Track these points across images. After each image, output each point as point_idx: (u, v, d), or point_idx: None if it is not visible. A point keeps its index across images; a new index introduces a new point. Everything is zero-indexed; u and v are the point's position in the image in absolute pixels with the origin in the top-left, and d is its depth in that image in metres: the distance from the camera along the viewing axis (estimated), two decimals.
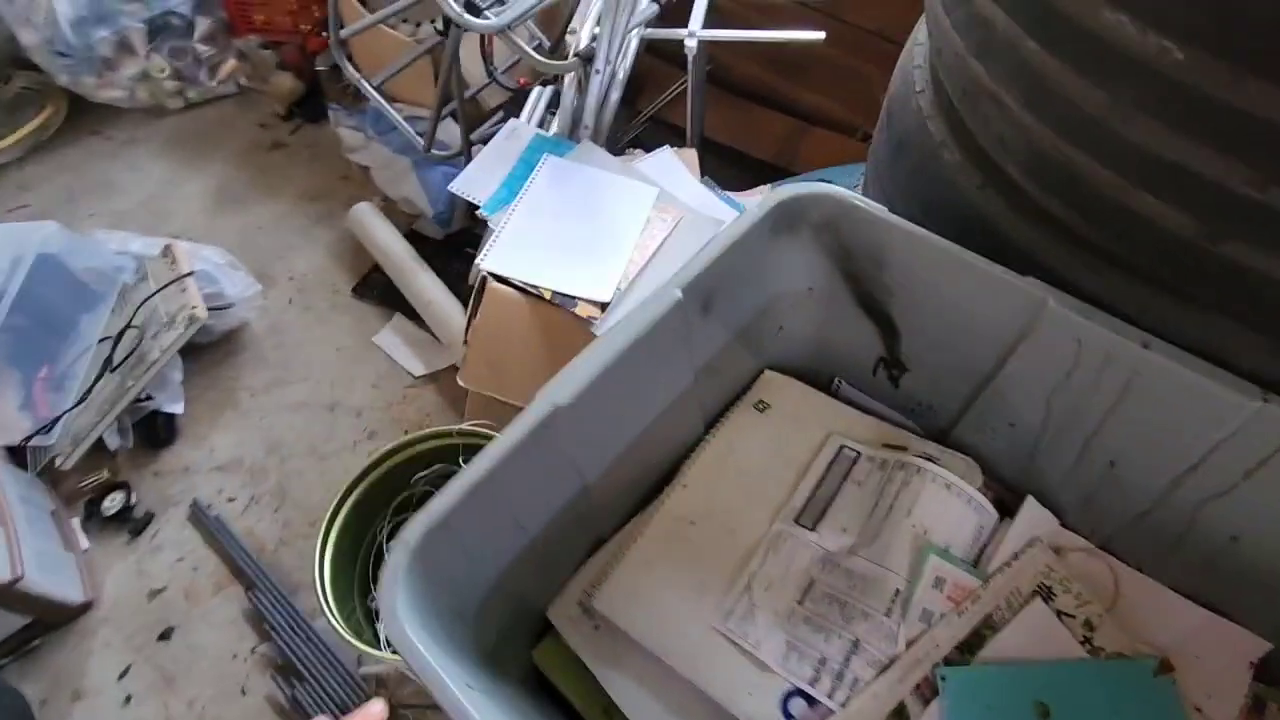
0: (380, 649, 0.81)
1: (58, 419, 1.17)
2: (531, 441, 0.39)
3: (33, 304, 1.21)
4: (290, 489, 1.20)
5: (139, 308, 1.24)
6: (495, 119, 1.44)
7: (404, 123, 1.34)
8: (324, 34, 1.70)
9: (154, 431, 1.25)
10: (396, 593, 0.33)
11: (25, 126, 1.70)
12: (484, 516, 0.39)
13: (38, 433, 1.17)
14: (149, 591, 1.11)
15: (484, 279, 0.89)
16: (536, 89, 1.27)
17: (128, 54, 1.68)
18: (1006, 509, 0.53)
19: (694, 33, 1.08)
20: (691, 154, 1.10)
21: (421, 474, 0.88)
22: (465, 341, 0.97)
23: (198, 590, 1.11)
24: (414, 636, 0.33)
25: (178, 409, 1.27)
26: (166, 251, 1.32)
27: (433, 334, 1.36)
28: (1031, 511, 0.51)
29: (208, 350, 1.35)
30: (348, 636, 0.76)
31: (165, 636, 1.07)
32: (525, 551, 0.46)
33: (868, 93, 1.38)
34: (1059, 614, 0.47)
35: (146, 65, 1.69)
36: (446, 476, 0.92)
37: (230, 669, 1.04)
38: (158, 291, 1.25)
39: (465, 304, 1.33)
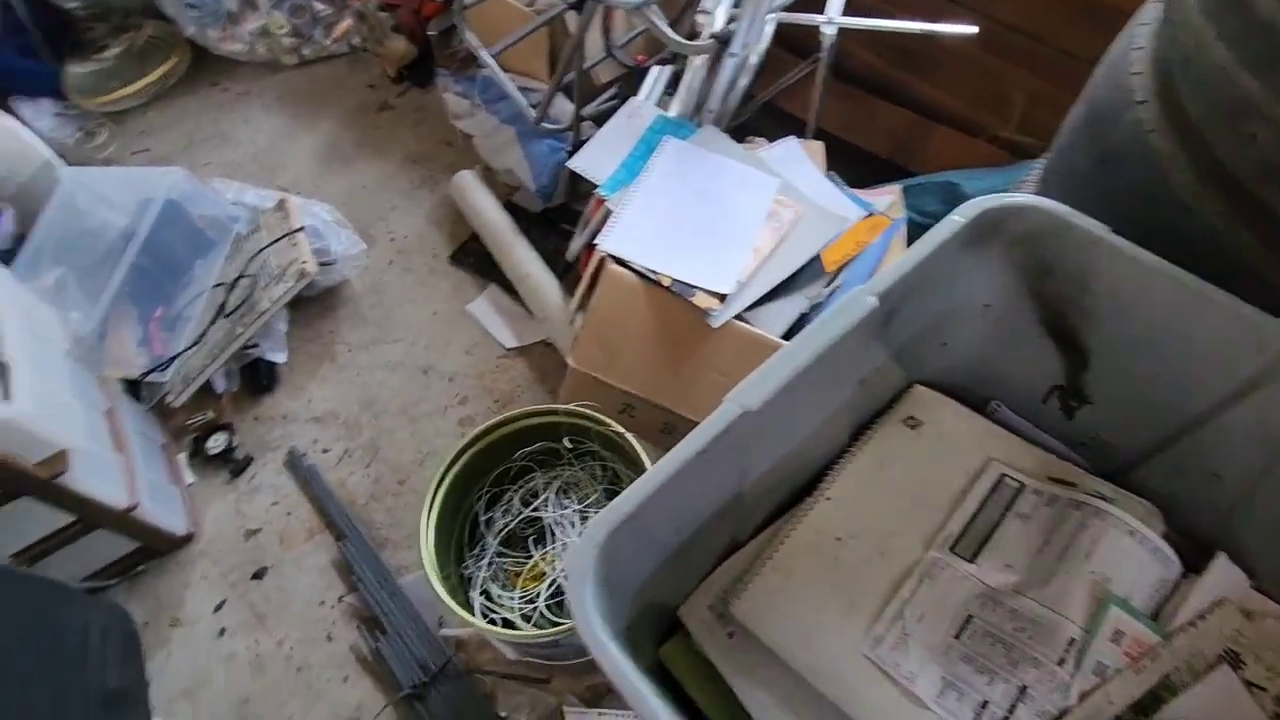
0: (473, 614, 0.82)
1: (173, 358, 1.23)
2: (715, 444, 0.37)
3: (156, 246, 1.26)
4: (382, 446, 1.23)
5: (252, 258, 1.28)
6: (606, 96, 1.42)
7: (517, 93, 1.33)
8: None
9: (257, 378, 1.29)
10: (586, 586, 0.32)
11: (151, 74, 1.77)
12: (655, 515, 0.38)
13: (154, 369, 1.23)
14: (245, 531, 1.16)
15: (602, 260, 0.88)
16: (655, 68, 1.24)
17: (251, 9, 1.73)
18: (1187, 561, 0.49)
19: (833, 20, 1.03)
20: (818, 146, 1.06)
21: (525, 449, 0.88)
22: (571, 320, 0.96)
23: (291, 535, 1.15)
24: (600, 633, 0.32)
25: (280, 358, 1.32)
26: (280, 205, 1.35)
27: (526, 307, 1.36)
28: (1223, 569, 0.47)
29: (310, 304, 1.38)
30: (446, 598, 0.77)
31: (259, 576, 1.11)
32: (674, 550, 0.45)
33: (1000, 92, 1.31)
34: (1248, 685, 0.43)
35: (267, 21, 1.74)
36: (550, 453, 0.93)
37: (318, 614, 1.07)
38: (271, 244, 1.28)
39: (560, 280, 1.33)
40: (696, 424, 0.93)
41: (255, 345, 1.29)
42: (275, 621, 1.07)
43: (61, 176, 1.28)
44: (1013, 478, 0.52)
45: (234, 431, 1.24)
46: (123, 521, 1.03)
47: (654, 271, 0.86)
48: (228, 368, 1.28)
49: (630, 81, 1.35)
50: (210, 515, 1.18)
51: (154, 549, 1.12)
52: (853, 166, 1.34)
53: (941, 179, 1.14)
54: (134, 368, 1.23)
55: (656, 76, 1.22)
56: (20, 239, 1.26)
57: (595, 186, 1.26)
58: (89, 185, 1.29)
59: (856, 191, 1.02)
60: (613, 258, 0.88)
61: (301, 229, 1.30)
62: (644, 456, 0.80)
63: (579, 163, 1.02)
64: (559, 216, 1.49)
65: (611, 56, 1.30)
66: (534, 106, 1.33)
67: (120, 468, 1.05)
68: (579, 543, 0.34)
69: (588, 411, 0.87)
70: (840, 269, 0.92)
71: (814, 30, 1.11)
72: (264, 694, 1.01)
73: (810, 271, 0.92)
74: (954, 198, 1.07)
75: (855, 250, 0.93)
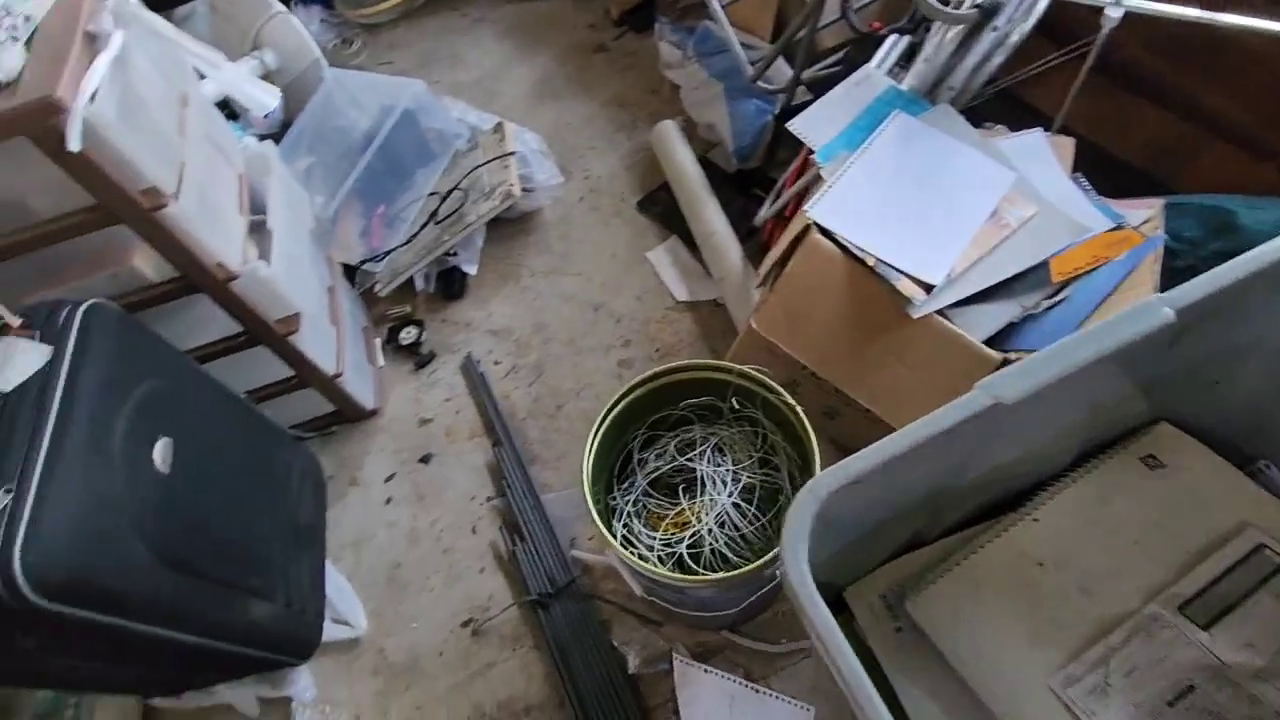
0: (614, 541, 0.85)
1: (388, 252, 1.36)
2: (957, 430, 0.35)
3: (389, 149, 1.39)
4: (546, 370, 1.30)
5: (468, 174, 1.38)
6: (827, 61, 1.36)
7: (739, 47, 1.31)
8: None
9: (451, 285, 1.41)
10: (800, 537, 0.32)
11: None
12: (872, 487, 0.37)
13: (370, 259, 1.37)
14: (419, 419, 1.28)
15: (806, 226, 0.85)
16: (891, 37, 1.16)
17: None
18: None
19: (1121, 1, 0.91)
20: (1067, 143, 0.95)
21: (690, 400, 0.90)
22: (758, 284, 0.95)
23: (456, 430, 1.26)
24: (809, 587, 0.32)
25: (472, 270, 1.42)
26: (498, 128, 1.44)
27: (703, 264, 1.36)
28: None
29: (505, 225, 1.47)
30: (595, 517, 0.80)
31: (425, 460, 1.23)
32: (866, 529, 0.44)
33: None
34: None
35: None
36: (711, 409, 0.94)
37: (467, 508, 1.18)
38: (485, 163, 1.37)
39: (743, 244, 1.32)
40: (864, 411, 0.90)
41: (455, 254, 1.40)
42: (432, 503, 1.19)
43: (325, 75, 1.44)
44: (1276, 550, 0.45)
45: (424, 328, 1.37)
46: (328, 386, 1.18)
47: (860, 248, 0.83)
48: (428, 270, 1.40)
49: (859, 49, 1.27)
50: (393, 397, 1.31)
51: (346, 416, 1.27)
52: (1098, 173, 1.19)
53: (1212, 202, 0.98)
54: (354, 254, 1.38)
55: (891, 46, 1.14)
56: (285, 126, 1.44)
57: (794, 156, 1.23)
58: (345, 86, 1.44)
59: (1107, 201, 0.90)
60: (818, 226, 0.85)
61: (513, 153, 1.37)
62: (811, 434, 0.78)
63: (798, 125, 0.99)
64: (751, 180, 1.47)
65: (846, 20, 1.23)
66: (752, 64, 1.30)
67: (334, 339, 1.19)
68: (802, 494, 0.34)
69: (761, 377, 0.86)
70: (1069, 281, 0.83)
71: (1082, 12, 0.98)
72: (414, 563, 1.13)
73: (1033, 278, 0.84)
74: (1224, 226, 0.92)
75: (1090, 264, 0.83)
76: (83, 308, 0.76)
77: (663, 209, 1.48)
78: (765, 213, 1.31)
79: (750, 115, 1.42)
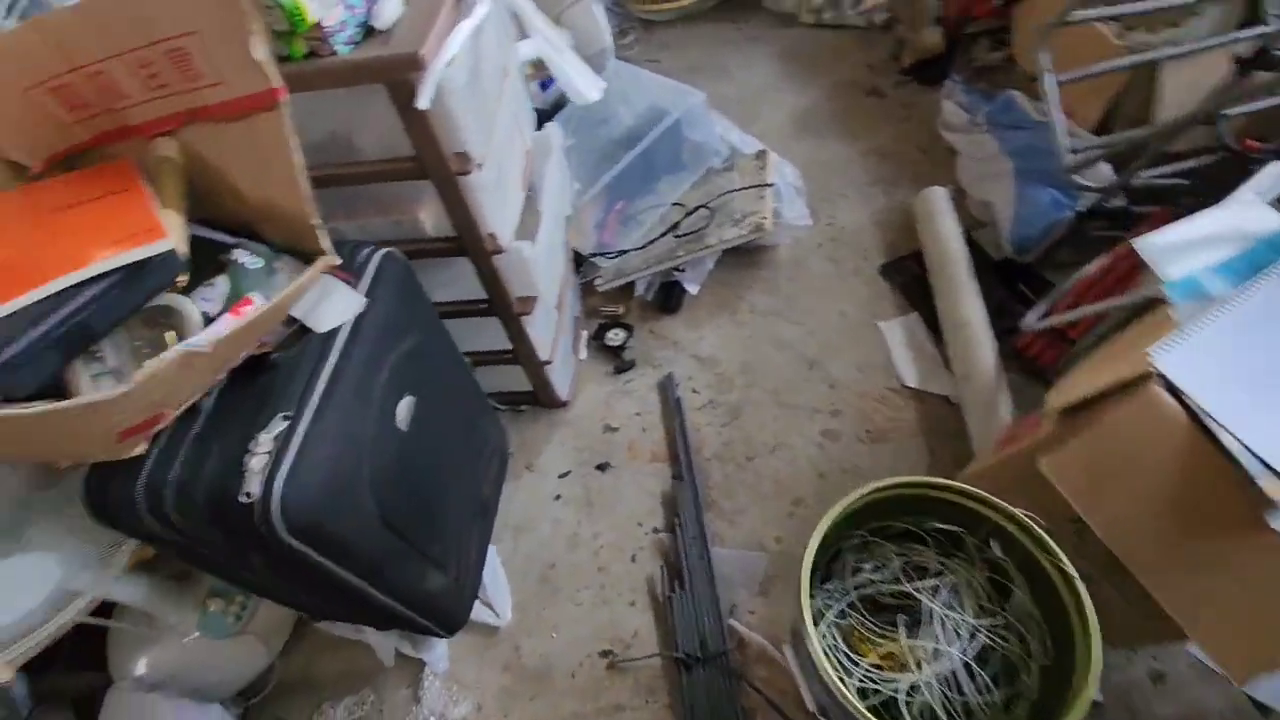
0: (817, 645, 0.76)
1: (621, 252, 1.35)
2: None
3: (649, 150, 1.38)
4: (744, 414, 1.23)
5: (720, 195, 1.34)
6: (1167, 170, 1.17)
7: (1064, 130, 1.16)
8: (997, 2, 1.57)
9: (668, 298, 1.37)
10: None
11: None
12: None
13: (602, 254, 1.37)
14: (605, 424, 1.26)
15: (1147, 374, 0.71)
16: (1277, 162, 0.97)
17: None
18: None
19: None
20: None
21: (938, 524, 0.79)
22: (1052, 414, 0.81)
23: (639, 448, 1.22)
24: None
25: (694, 289, 1.38)
26: (760, 156, 1.39)
27: (943, 354, 1.23)
28: None
29: (736, 253, 1.41)
30: (808, 620, 0.71)
31: (601, 468, 1.21)
32: None
33: None
34: None
35: None
36: (952, 537, 0.82)
37: (632, 532, 1.13)
38: (740, 189, 1.32)
39: (998, 343, 1.17)
40: (1140, 592, 0.74)
41: (681, 270, 1.36)
42: (599, 514, 1.15)
43: (609, 65, 1.45)
44: None
45: (632, 334, 1.34)
46: (536, 368, 1.18)
47: (1217, 421, 0.67)
48: (651, 278, 1.38)
49: (1219, 169, 1.08)
50: (585, 394, 1.30)
51: (538, 399, 1.27)
52: None
53: None
54: (588, 244, 1.38)
55: (1275, 175, 0.95)
56: (556, 107, 1.48)
57: (1080, 261, 1.07)
58: (621, 78, 1.44)
59: None
60: (1162, 378, 0.70)
61: (772, 185, 1.31)
62: (1094, 634, 0.65)
63: (1150, 247, 0.84)
64: (1020, 274, 1.31)
65: (1214, 126, 1.05)
66: (1075, 152, 1.14)
67: (553, 325, 1.19)
68: None
69: (1037, 530, 0.73)
70: None
71: None
72: (567, 569, 1.10)
73: None
74: None
75: None
76: (380, 254, 0.78)
77: (908, 280, 1.36)
78: (1034, 320, 1.15)
79: (1043, 205, 1.27)
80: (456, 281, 1.03)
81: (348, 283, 0.67)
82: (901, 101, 1.68)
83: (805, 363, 1.28)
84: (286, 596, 0.88)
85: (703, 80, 1.80)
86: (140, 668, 0.91)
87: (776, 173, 1.36)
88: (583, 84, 0.88)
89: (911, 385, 1.21)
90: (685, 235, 1.32)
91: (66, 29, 0.61)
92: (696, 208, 1.34)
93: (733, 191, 1.32)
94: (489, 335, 1.12)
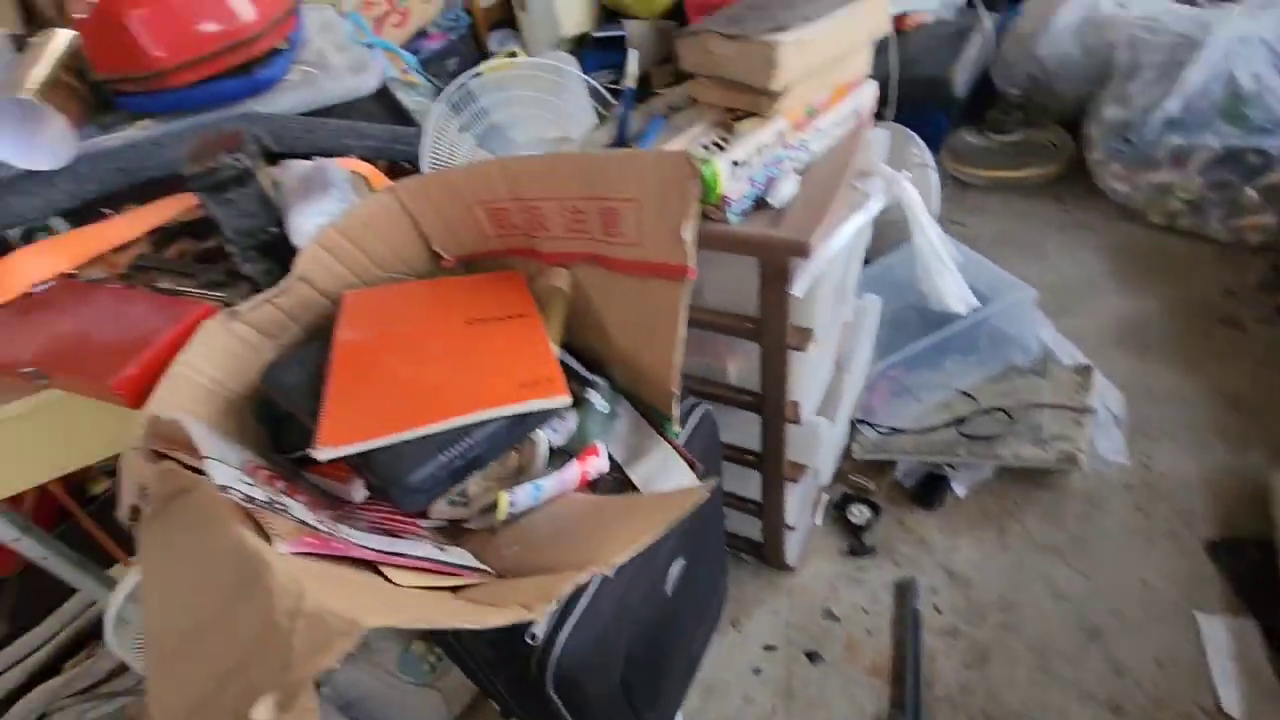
0: None
1: (894, 429, 1.26)
2: None
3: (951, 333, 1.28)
4: (993, 659, 1.06)
5: (1026, 407, 1.20)
6: None
7: None
8: None
9: (930, 493, 1.24)
10: None
11: (1023, 171, 1.82)
12: None
13: (869, 423, 1.28)
14: (826, 610, 1.15)
15: None
16: None
17: (1177, 167, 1.57)
18: None
19: None
20: None
21: None
22: None
23: (859, 650, 1.10)
24: None
25: (961, 492, 1.24)
26: (1084, 373, 1.23)
27: None
28: None
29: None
30: None
31: (811, 657, 1.10)
32: None
33: None
34: None
35: (1178, 180, 1.57)
36: None
37: None
38: (1053, 407, 1.17)
39: None
40: None
41: (951, 467, 1.23)
42: (797, 711, 1.04)
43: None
44: None
45: (878, 516, 1.23)
46: (775, 528, 1.11)
47: None
48: (915, 464, 1.26)
49: None
50: (812, 566, 1.21)
51: (764, 556, 1.20)
52: None
53: None
54: (857, 410, 1.30)
55: None
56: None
57: None
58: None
59: None
60: None
61: (1093, 411, 1.15)
62: None
63: None
64: None
65: None
66: None
67: (806, 493, 1.12)
68: None
69: None
70: None
71: None
72: None
73: None
74: None
75: None
76: (700, 410, 0.78)
77: (1247, 572, 1.09)
78: None
79: None
80: (734, 427, 1.01)
81: (689, 464, 0.66)
82: (1268, 342, 1.41)
83: (1085, 628, 1.07)
84: (505, 705, 0.89)
85: (1010, 254, 1.67)
86: (340, 676, 0.97)
87: (1100, 398, 1.19)
88: (952, 296, 0.83)
89: (1234, 715, 0.96)
90: (975, 438, 1.19)
91: (525, 172, 0.69)
92: (994, 409, 1.21)
93: (1043, 406, 1.17)
94: (742, 482, 1.08)
